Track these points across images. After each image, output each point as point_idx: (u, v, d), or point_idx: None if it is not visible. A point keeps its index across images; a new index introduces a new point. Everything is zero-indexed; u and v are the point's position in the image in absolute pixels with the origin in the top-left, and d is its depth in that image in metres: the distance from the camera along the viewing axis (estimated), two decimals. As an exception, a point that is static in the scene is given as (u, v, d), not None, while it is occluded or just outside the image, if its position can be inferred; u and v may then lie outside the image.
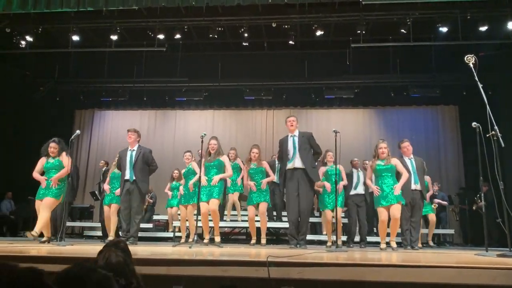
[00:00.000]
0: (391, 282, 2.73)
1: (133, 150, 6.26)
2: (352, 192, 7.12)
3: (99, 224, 9.30)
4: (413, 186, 6.11)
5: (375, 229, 8.04)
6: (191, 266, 3.03)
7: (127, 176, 6.17)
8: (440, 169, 11.02)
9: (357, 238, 7.34)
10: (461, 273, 2.69)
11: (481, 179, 4.64)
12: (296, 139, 5.80)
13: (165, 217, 9.16)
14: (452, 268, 2.76)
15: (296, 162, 5.71)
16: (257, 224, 6.63)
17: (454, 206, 9.72)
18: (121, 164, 6.36)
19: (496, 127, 4.12)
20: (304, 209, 5.66)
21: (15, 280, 1.30)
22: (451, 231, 9.35)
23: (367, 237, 7.35)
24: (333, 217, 6.66)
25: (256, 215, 6.50)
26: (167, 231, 8.84)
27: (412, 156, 6.26)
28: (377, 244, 7.29)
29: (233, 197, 7.88)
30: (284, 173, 5.84)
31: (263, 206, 6.33)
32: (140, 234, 7.90)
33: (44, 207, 5.65)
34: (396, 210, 5.57)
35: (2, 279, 1.30)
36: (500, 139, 4.08)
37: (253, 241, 6.54)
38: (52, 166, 5.86)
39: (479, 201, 6.32)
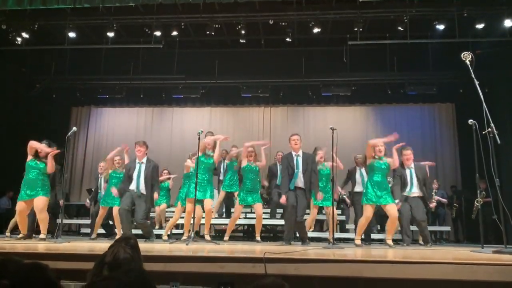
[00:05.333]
0: (387, 278, 2.75)
1: (142, 163, 6.13)
2: (357, 190, 6.98)
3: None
4: (413, 194, 6.15)
5: (379, 226, 8.07)
6: (188, 263, 3.03)
7: (132, 187, 6.02)
8: (436, 166, 11.01)
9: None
10: (458, 269, 2.71)
11: (477, 176, 4.67)
12: (300, 159, 5.88)
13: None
14: (449, 264, 2.77)
15: (299, 182, 5.81)
16: (252, 222, 6.66)
17: (452, 204, 9.73)
18: (128, 176, 6.18)
19: (492, 124, 4.14)
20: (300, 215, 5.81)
21: (22, 275, 1.33)
22: (447, 228, 9.39)
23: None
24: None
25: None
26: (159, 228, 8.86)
27: (412, 165, 6.23)
28: (380, 241, 7.33)
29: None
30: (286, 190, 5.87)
31: (259, 208, 6.41)
32: (137, 231, 7.93)
33: (40, 209, 5.68)
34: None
35: (9, 274, 1.32)
36: (496, 136, 4.10)
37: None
38: (35, 167, 5.80)
39: (483, 197, 6.29)
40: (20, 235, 5.84)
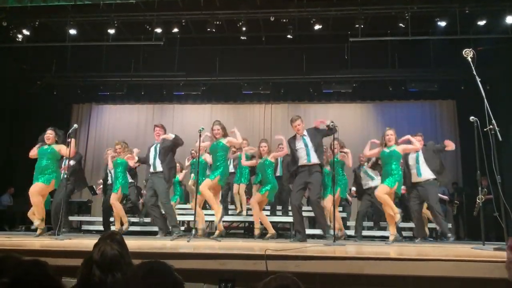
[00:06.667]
0: (389, 275, 2.75)
1: (158, 143, 6.36)
2: (365, 187, 7.18)
3: (97, 218, 9.32)
4: (415, 179, 6.13)
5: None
6: (189, 260, 3.04)
7: (150, 167, 6.28)
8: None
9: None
10: (459, 266, 2.71)
11: (478, 173, 4.67)
12: (307, 138, 5.94)
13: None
14: (450, 261, 2.77)
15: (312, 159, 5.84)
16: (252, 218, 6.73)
17: (453, 201, 9.72)
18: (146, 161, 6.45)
19: (493, 121, 4.13)
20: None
21: (21, 272, 1.33)
22: (448, 225, 9.37)
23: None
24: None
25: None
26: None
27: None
28: (381, 238, 7.33)
29: (238, 188, 7.86)
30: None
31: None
32: (139, 228, 7.96)
33: (33, 193, 5.71)
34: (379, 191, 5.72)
35: (9, 271, 1.32)
36: (498, 133, 4.09)
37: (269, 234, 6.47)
38: (44, 153, 5.86)
39: (485, 194, 6.28)
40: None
